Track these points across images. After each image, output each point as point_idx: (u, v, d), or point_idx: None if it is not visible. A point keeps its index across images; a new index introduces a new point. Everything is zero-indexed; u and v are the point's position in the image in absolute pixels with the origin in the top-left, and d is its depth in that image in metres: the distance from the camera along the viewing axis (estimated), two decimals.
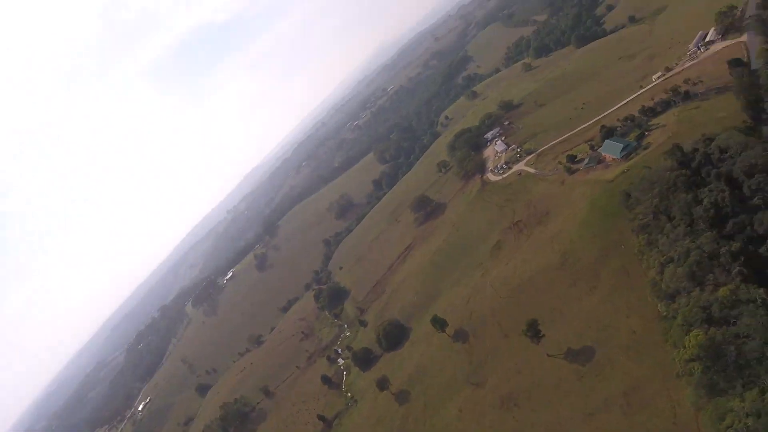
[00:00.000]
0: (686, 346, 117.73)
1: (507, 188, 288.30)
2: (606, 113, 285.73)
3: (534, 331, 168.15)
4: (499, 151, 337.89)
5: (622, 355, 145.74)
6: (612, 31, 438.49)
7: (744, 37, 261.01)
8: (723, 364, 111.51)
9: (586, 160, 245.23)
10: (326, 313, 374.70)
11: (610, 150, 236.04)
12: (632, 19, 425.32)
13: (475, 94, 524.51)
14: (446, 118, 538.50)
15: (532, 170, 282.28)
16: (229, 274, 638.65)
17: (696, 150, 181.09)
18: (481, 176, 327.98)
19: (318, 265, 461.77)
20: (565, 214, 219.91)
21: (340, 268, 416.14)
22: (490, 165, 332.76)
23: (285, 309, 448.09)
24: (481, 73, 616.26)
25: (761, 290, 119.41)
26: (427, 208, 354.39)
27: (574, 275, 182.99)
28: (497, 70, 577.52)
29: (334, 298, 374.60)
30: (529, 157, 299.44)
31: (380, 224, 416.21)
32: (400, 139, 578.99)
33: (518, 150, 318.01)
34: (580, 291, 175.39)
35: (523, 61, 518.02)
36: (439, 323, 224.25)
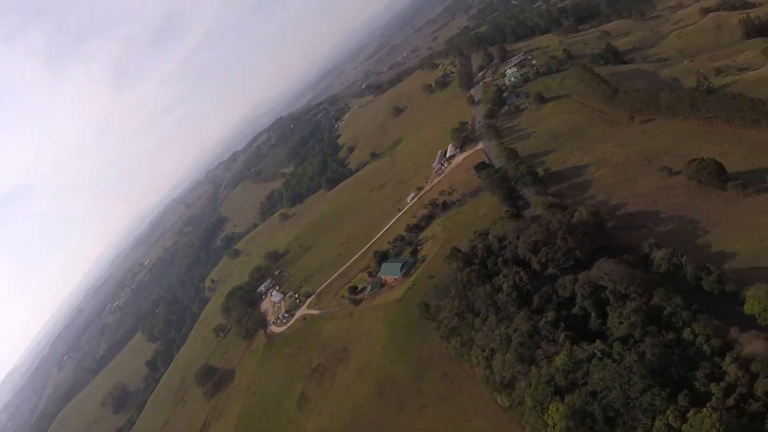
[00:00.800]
0: (550, 423, 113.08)
1: (295, 336, 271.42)
2: (374, 240, 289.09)
3: None
4: (276, 301, 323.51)
5: None
6: (358, 170, 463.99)
7: (480, 145, 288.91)
8: (592, 424, 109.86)
9: (369, 288, 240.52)
10: None
11: (389, 271, 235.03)
12: (374, 155, 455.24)
13: (237, 252, 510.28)
14: (212, 281, 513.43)
15: (316, 312, 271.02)
16: None
17: (474, 247, 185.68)
18: (265, 331, 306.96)
19: None
20: (365, 344, 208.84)
21: None
22: (271, 317, 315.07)
23: None
24: (239, 231, 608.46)
25: (596, 342, 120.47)
26: (215, 378, 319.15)
27: (398, 400, 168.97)
28: (255, 226, 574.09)
29: None
30: (310, 299, 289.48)
31: (166, 408, 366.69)
32: (167, 313, 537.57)
33: (296, 296, 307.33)
34: (410, 413, 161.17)
35: (279, 212, 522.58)
36: None
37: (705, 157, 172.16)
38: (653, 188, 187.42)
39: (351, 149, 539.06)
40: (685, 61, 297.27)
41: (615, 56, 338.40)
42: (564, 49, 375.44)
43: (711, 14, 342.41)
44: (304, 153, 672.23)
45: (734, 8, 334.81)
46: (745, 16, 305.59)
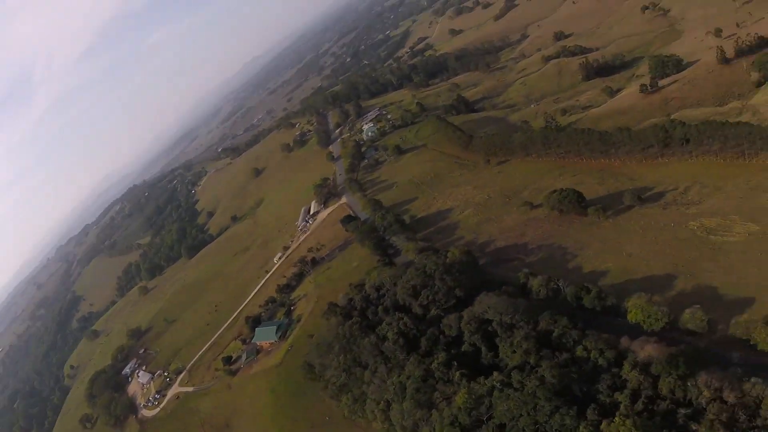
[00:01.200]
0: None
1: (171, 418, 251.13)
2: (244, 305, 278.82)
3: None
4: (144, 382, 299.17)
5: None
6: (219, 234, 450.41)
7: (344, 199, 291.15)
8: None
9: (244, 356, 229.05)
10: None
11: (264, 336, 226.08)
12: (235, 219, 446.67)
13: (96, 333, 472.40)
14: (72, 367, 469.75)
15: (190, 388, 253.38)
16: None
17: (352, 299, 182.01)
18: (136, 416, 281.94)
19: None
20: (250, 415, 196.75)
21: None
22: (140, 400, 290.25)
23: None
24: (97, 310, 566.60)
25: (494, 375, 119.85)
26: None
27: None
28: (113, 303, 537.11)
29: None
30: (181, 376, 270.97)
31: None
32: (26, 407, 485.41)
33: (166, 374, 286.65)
34: None
35: (138, 285, 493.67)
36: None
37: (564, 188, 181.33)
38: (518, 222, 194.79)
39: (210, 214, 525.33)
40: (532, 105, 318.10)
41: (466, 105, 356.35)
42: (417, 102, 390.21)
43: (552, 61, 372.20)
44: (161, 221, 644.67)
45: (573, 54, 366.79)
46: (584, 60, 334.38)
